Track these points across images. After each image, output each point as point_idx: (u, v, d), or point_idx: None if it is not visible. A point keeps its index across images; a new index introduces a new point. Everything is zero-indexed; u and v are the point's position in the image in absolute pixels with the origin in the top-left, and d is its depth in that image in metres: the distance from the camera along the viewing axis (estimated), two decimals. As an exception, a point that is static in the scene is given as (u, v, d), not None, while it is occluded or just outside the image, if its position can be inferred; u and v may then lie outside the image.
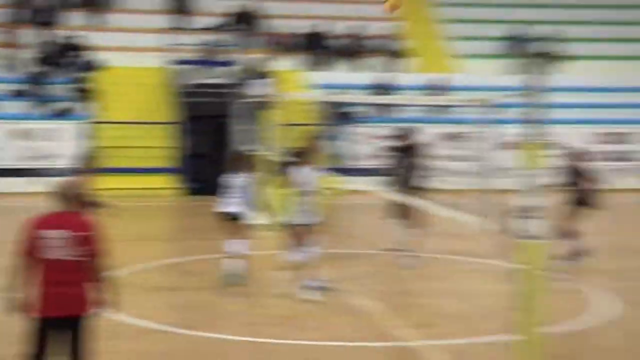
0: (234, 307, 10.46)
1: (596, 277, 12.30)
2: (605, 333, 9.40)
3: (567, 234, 12.53)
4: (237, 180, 11.56)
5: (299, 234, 10.54)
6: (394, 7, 11.64)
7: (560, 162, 12.71)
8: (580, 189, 12.48)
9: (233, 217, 11.54)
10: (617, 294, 11.05)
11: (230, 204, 11.50)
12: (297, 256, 10.41)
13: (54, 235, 6.19)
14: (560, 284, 11.12)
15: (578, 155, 12.92)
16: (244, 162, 11.90)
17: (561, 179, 12.54)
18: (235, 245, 11.43)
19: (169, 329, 9.23)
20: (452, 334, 9.17)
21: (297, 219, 10.45)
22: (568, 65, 28.55)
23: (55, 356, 6.21)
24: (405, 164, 12.90)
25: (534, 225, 6.55)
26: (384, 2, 11.48)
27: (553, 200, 11.51)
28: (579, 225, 12.57)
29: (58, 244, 6.18)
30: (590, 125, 26.20)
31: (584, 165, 12.74)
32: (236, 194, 11.50)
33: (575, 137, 25.23)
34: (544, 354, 6.57)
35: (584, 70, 28.62)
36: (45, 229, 6.22)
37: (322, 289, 10.60)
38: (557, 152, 12.30)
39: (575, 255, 12.52)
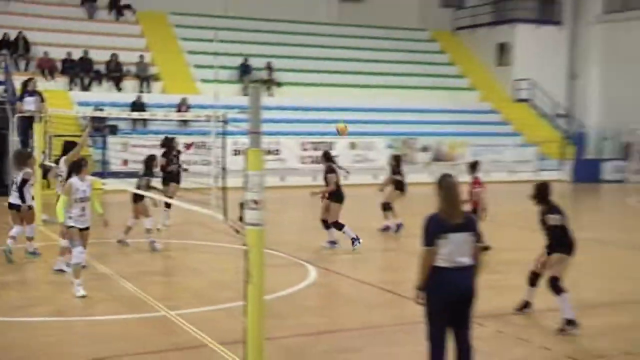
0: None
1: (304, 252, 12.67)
2: (306, 295, 9.72)
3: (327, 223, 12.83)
4: (18, 176, 11.61)
5: (73, 234, 9.84)
6: (342, 132, 12.92)
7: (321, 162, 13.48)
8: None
9: (15, 207, 11.59)
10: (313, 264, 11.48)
11: (13, 196, 11.60)
12: (74, 256, 9.71)
13: None
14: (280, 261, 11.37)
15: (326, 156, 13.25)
16: (24, 160, 11.75)
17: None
18: (15, 229, 11.57)
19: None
20: (193, 305, 9.06)
21: (73, 222, 9.73)
22: (279, 90, 29.58)
23: None
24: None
25: (257, 215, 6.59)
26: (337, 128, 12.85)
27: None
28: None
29: None
30: (300, 136, 27.15)
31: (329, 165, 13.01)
32: (16, 187, 11.53)
33: (291, 144, 26.35)
34: (264, 315, 6.65)
35: (290, 93, 29.76)
36: None
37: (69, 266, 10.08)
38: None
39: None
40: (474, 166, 12.71)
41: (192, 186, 9.55)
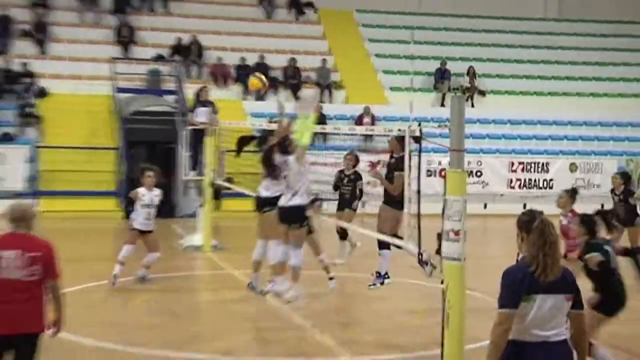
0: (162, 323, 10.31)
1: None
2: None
3: None
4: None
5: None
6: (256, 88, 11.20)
7: None
8: None
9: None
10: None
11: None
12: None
13: (7, 255, 5.99)
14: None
15: None
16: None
17: None
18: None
19: (107, 345, 9.04)
20: (378, 351, 9.15)
21: None
22: (482, 99, 29.32)
23: None
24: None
25: (457, 248, 6.55)
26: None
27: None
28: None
29: (10, 264, 5.98)
30: (507, 155, 26.71)
31: None
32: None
33: (495, 164, 26.01)
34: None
35: (495, 104, 29.35)
36: (1, 249, 6.02)
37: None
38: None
39: None
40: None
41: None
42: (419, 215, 7.35)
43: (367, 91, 28.59)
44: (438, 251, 7.32)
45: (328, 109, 26.69)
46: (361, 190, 14.67)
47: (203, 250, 16.04)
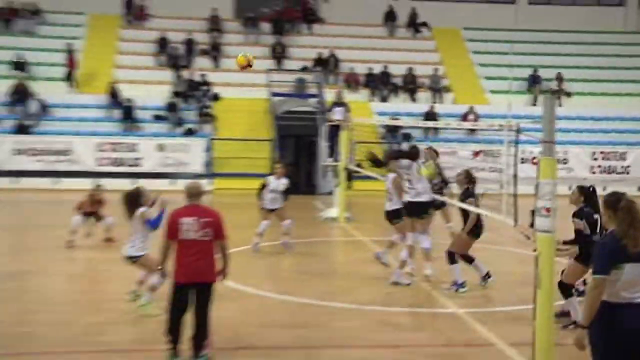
0: (312, 278, 10.42)
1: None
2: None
3: None
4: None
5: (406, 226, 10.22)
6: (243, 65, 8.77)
7: None
8: None
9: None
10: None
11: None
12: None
13: (187, 221, 6.35)
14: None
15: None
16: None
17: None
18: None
19: (264, 293, 9.22)
20: (481, 305, 8.96)
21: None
22: (567, 100, 28.15)
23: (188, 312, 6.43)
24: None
25: (548, 222, 6.35)
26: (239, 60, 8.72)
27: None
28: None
29: (191, 228, 6.33)
30: (589, 146, 25.61)
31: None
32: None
33: (579, 153, 25.00)
34: (552, 320, 6.36)
35: (579, 103, 28.16)
36: (183, 217, 6.39)
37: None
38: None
39: None
40: None
41: (482, 192, 9.48)
42: (515, 195, 7.14)
43: (471, 94, 27.97)
44: (532, 225, 7.08)
45: (439, 108, 26.30)
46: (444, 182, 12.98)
47: (338, 221, 16.15)
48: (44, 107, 24.23)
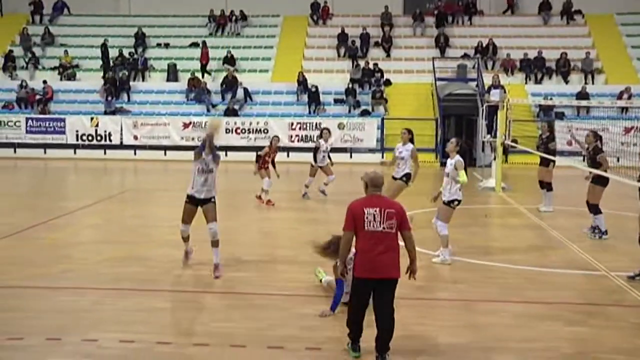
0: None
1: None
2: None
3: None
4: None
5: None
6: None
7: None
8: None
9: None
10: None
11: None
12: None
13: (372, 212, 5.17)
14: None
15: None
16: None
17: None
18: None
19: (426, 251, 9.13)
20: (631, 268, 8.29)
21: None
22: None
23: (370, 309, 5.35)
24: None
25: None
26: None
27: None
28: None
29: (376, 219, 5.15)
30: None
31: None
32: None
33: None
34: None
35: None
36: (366, 207, 5.19)
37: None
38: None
39: None
40: None
41: (630, 165, 8.77)
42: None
43: (623, 74, 25.63)
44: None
45: (591, 88, 24.44)
46: (554, 150, 12.58)
47: (495, 190, 15.62)
48: (248, 94, 25.54)
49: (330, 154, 14.15)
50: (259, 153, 13.55)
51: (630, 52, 27.11)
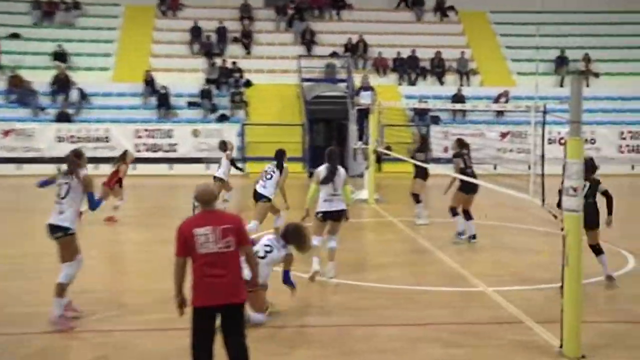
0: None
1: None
2: (622, 282, 8.93)
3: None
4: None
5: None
6: None
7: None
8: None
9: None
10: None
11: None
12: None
13: (204, 232, 5.07)
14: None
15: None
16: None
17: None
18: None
19: (295, 273, 9.22)
20: (510, 283, 8.89)
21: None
22: (595, 80, 27.65)
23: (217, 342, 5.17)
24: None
25: (575, 202, 6.25)
26: None
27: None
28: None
29: (209, 239, 5.06)
30: (617, 125, 25.15)
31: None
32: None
33: (607, 133, 24.56)
34: (580, 298, 6.30)
35: (607, 84, 27.64)
36: (196, 227, 5.09)
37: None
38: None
39: None
40: None
41: (507, 172, 9.40)
42: (542, 175, 7.03)
43: (499, 76, 27.61)
44: (559, 204, 6.96)
45: (466, 91, 26.03)
46: (424, 162, 13.44)
47: (368, 202, 16.13)
48: (84, 96, 24.51)
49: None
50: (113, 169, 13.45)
51: (505, 53, 29.27)
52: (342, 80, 25.81)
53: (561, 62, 27.96)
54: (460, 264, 9.85)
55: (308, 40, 28.20)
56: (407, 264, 10.01)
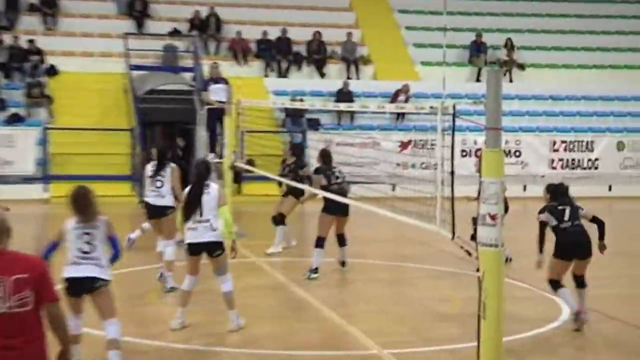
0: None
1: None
2: (555, 338, 9.43)
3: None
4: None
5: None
6: None
7: None
8: None
9: None
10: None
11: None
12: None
13: None
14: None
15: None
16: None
17: None
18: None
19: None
20: (411, 343, 9.15)
21: None
22: (521, 74, 29.12)
23: None
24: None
25: (494, 233, 6.49)
26: None
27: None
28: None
29: None
30: (548, 133, 26.52)
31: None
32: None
33: (536, 143, 25.83)
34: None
35: (536, 78, 29.16)
36: None
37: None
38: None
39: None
40: None
41: (409, 195, 9.65)
42: (452, 199, 7.28)
43: (397, 66, 28.44)
44: (473, 237, 7.26)
45: (355, 85, 26.61)
46: (305, 177, 14.52)
47: (225, 237, 16.03)
48: None
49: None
50: None
51: (405, 35, 30.24)
52: (188, 69, 25.71)
53: (477, 49, 29.20)
54: (346, 319, 10.01)
55: (139, 12, 27.93)
56: (277, 320, 10.06)
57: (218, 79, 20.64)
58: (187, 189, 9.60)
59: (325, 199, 12.33)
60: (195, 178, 9.51)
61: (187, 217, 9.38)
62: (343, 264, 13.10)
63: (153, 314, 10.43)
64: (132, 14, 27.95)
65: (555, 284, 9.73)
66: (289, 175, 14.55)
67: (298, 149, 15.84)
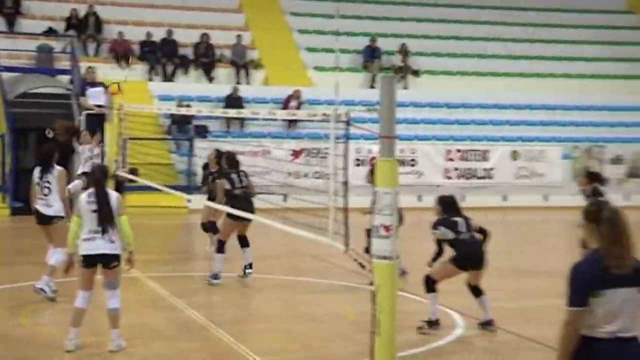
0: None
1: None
2: (451, 353, 9.61)
3: None
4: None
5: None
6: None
7: None
8: None
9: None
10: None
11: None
12: None
13: None
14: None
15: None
16: None
17: None
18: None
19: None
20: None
21: None
22: (416, 80, 29.59)
23: None
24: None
25: (388, 245, 6.57)
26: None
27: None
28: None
29: None
30: (444, 142, 27.02)
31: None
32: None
33: (431, 152, 26.29)
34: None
35: (430, 85, 29.70)
36: None
37: None
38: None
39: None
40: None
41: (302, 205, 9.70)
42: (346, 210, 7.37)
43: (289, 71, 28.60)
44: (367, 249, 7.36)
45: (245, 91, 26.64)
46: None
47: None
48: None
49: None
50: None
51: (298, 39, 30.40)
52: (64, 72, 25.28)
53: (371, 54, 29.59)
54: (235, 337, 9.99)
55: (10, 8, 27.34)
56: (157, 340, 9.95)
57: (95, 83, 20.43)
58: (83, 196, 9.31)
59: (232, 204, 12.52)
60: (94, 184, 9.21)
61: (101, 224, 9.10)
62: (245, 269, 13.29)
63: (46, 333, 10.19)
64: (2, 11, 27.31)
65: (432, 285, 10.15)
66: (209, 184, 14.93)
67: (226, 155, 15.55)
